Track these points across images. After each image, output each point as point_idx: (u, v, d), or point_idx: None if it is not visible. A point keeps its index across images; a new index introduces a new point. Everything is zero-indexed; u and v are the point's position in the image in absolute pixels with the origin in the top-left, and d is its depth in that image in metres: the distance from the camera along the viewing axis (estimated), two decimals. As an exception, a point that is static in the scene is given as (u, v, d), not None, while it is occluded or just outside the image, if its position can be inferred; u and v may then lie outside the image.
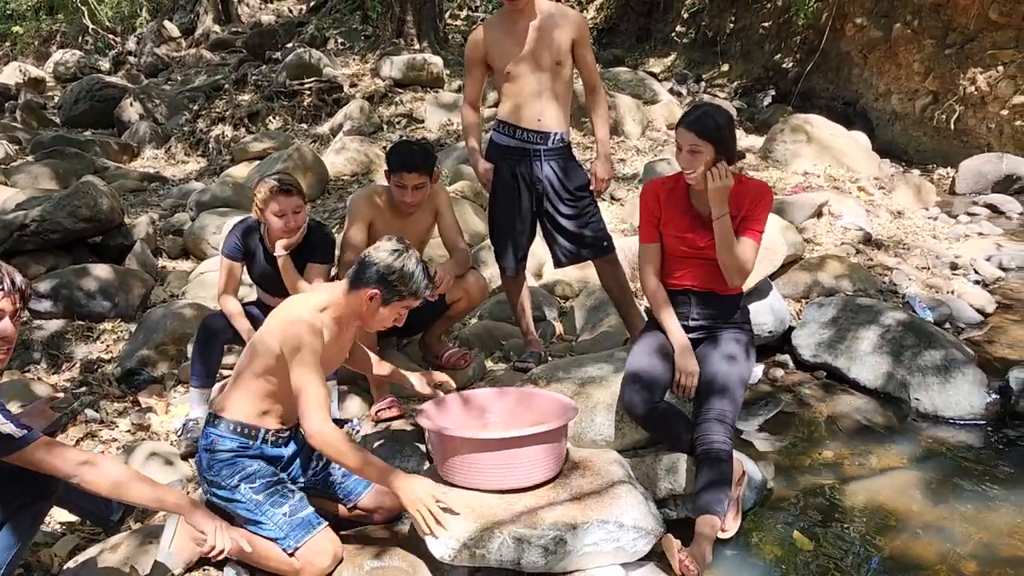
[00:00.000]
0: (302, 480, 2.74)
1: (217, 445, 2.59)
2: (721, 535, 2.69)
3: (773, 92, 10.84)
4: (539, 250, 4.56)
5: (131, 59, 15.90)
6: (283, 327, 2.52)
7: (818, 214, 5.76)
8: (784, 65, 10.99)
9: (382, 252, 2.59)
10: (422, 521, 2.45)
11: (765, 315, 4.09)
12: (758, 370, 4.02)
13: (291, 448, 2.75)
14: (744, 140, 8.60)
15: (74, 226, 5.48)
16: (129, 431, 3.75)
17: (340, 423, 3.46)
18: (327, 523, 2.58)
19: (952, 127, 8.53)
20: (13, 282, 2.18)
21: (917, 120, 8.99)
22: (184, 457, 3.37)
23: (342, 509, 2.77)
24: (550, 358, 3.84)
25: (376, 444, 3.22)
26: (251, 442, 2.61)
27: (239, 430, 2.60)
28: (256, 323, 3.64)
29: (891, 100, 9.34)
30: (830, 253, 5.10)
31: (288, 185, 3.39)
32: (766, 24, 11.53)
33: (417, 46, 12.01)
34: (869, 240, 5.57)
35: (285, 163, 7.22)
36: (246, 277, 3.77)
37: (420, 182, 3.47)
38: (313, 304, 2.58)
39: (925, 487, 3.08)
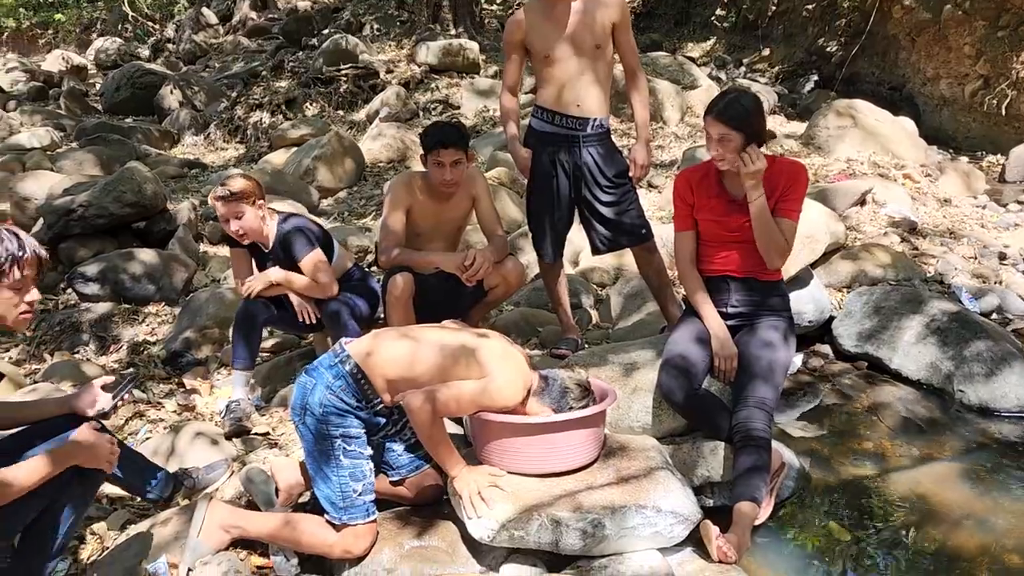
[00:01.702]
0: (372, 438, 2.72)
1: (340, 392, 2.56)
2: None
3: (816, 77, 10.66)
4: (576, 237, 4.55)
5: (170, 46, 16.13)
6: (505, 378, 2.58)
7: (861, 202, 5.67)
8: (828, 49, 10.81)
9: (580, 380, 2.68)
10: (468, 502, 2.48)
11: (806, 304, 4.05)
12: (797, 360, 3.98)
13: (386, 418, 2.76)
14: (785, 126, 8.49)
15: (120, 211, 5.59)
16: (175, 411, 3.83)
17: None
18: (377, 516, 2.61)
19: (1003, 112, 8.31)
20: (31, 248, 2.24)
21: (966, 105, 8.79)
22: (228, 437, 3.44)
23: (383, 481, 2.79)
24: (586, 345, 3.84)
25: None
26: (365, 404, 2.60)
27: (364, 385, 2.58)
28: (288, 312, 3.67)
29: (939, 85, 9.14)
30: (873, 242, 5.02)
31: (224, 192, 3.46)
32: (810, 7, 11.34)
33: (453, 31, 12.01)
34: (914, 229, 5.47)
35: (322, 149, 7.28)
36: None
37: (457, 157, 3.48)
38: (523, 381, 2.64)
39: (968, 479, 3.04)
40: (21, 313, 2.28)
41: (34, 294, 2.30)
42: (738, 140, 2.89)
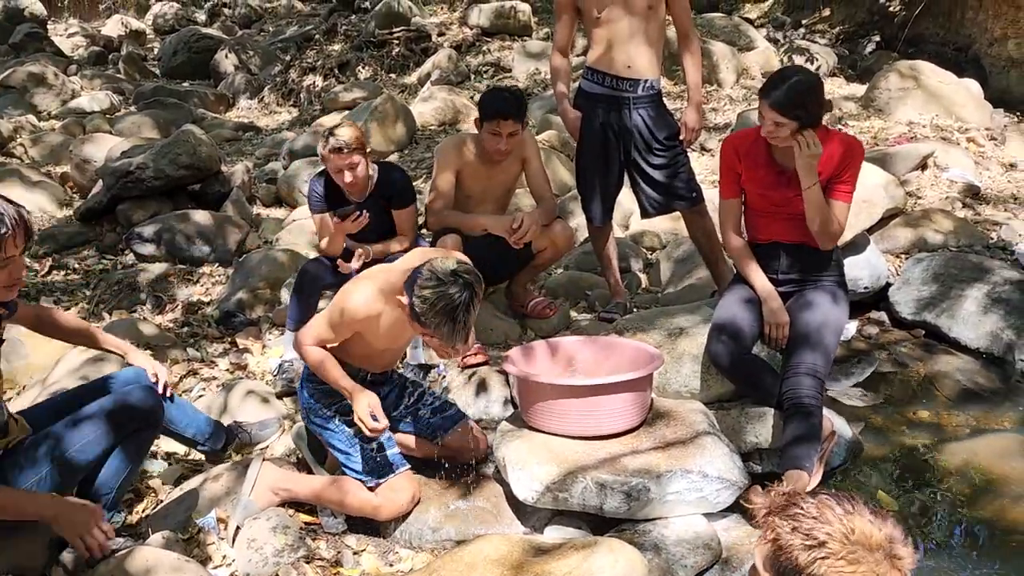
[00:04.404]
0: (393, 415, 2.80)
1: (316, 378, 2.67)
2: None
3: (878, 38, 10.31)
4: (626, 200, 4.50)
5: (226, 11, 16.20)
6: (358, 289, 2.52)
7: (922, 166, 5.50)
8: (890, 8, 10.44)
9: (439, 267, 2.35)
10: (358, 420, 2.50)
11: (861, 270, 3.95)
12: (852, 327, 3.89)
13: (387, 388, 2.84)
14: (844, 89, 8.26)
15: (175, 173, 5.68)
16: (228, 370, 3.91)
17: (427, 368, 3.52)
18: (409, 467, 2.66)
19: (1073, 74, 7.96)
20: (11, 221, 1.99)
21: (1034, 67, 8.43)
22: (280, 396, 3.50)
23: (427, 447, 2.83)
24: (635, 309, 3.81)
25: (462, 389, 3.27)
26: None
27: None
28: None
29: (1007, 45, 8.77)
30: (934, 207, 4.87)
31: (340, 144, 3.36)
32: (872, -35, 10.95)
33: (506, -7, 11.86)
34: (977, 194, 5.30)
35: (374, 112, 7.30)
36: None
37: (515, 129, 3.45)
38: (378, 287, 2.51)
39: (1027, 451, 2.96)
40: (4, 287, 2.08)
41: (19, 268, 2.09)
42: (793, 126, 2.79)
